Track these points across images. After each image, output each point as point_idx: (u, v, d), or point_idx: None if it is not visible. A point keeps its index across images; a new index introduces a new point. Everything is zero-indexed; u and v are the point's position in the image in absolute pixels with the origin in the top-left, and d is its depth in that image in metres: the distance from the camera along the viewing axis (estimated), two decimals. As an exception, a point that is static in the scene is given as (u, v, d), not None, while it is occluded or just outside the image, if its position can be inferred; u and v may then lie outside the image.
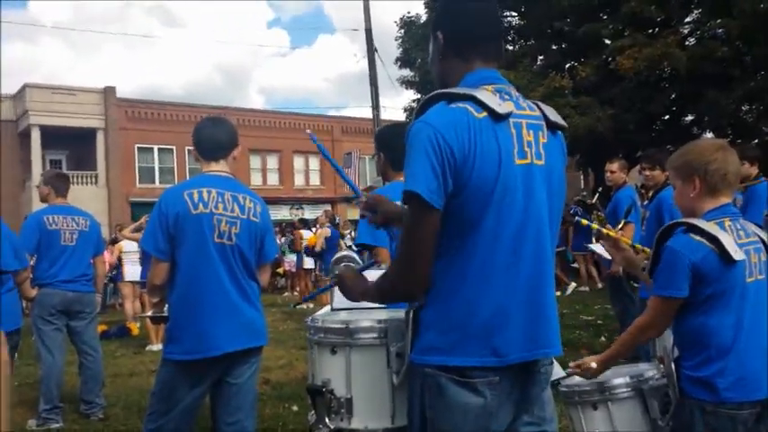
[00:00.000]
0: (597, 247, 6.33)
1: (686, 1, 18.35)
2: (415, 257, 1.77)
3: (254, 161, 32.50)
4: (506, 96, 1.86)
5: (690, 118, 19.10)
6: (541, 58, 20.43)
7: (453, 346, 1.76)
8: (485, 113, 1.78)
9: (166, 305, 3.15)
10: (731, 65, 16.11)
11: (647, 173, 5.45)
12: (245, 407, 3.16)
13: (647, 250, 5.01)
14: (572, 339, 7.47)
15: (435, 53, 1.98)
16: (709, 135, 18.16)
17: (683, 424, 2.34)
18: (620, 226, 5.54)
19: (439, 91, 1.88)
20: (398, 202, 2.04)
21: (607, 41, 17.80)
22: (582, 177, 28.18)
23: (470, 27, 1.93)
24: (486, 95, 1.81)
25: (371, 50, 20.46)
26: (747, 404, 2.27)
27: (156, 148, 29.73)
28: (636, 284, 5.41)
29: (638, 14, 16.67)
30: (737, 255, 2.27)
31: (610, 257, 5.95)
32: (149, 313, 3.45)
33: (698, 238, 2.31)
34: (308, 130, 3.00)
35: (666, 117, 19.33)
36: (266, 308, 12.93)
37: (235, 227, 3.12)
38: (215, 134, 3.29)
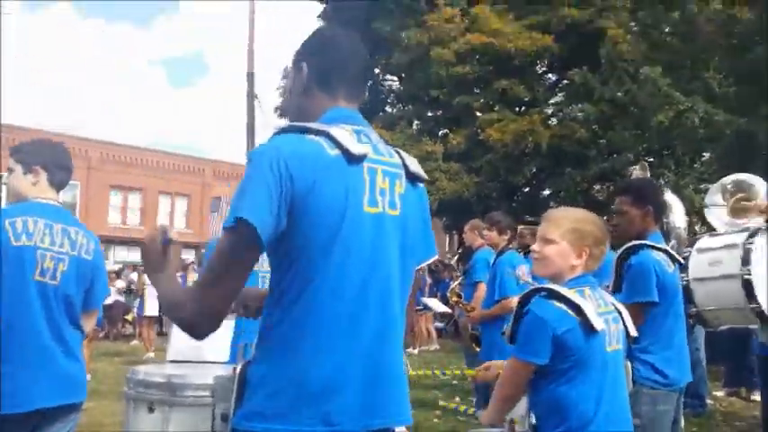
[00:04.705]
0: (431, 302, 6.43)
1: (552, 84, 19.87)
2: (218, 295, 1.56)
3: (115, 198, 30.87)
4: (365, 138, 1.74)
5: (547, 192, 20.30)
6: (417, 122, 21.14)
7: (280, 411, 1.57)
8: (338, 152, 1.64)
9: None
10: (588, 146, 17.39)
11: (485, 232, 5.63)
12: None
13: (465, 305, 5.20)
14: (428, 399, 7.55)
15: (297, 86, 1.83)
16: (564, 210, 19.37)
17: None
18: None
19: (293, 123, 1.73)
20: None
21: (478, 113, 18.73)
22: (448, 239, 29.07)
23: (339, 61, 1.81)
24: (341, 134, 1.67)
25: (251, 95, 20.24)
26: None
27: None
28: (477, 347, 5.52)
29: (507, 92, 17.84)
30: (598, 324, 2.26)
31: (441, 311, 6.04)
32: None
33: (559, 304, 2.28)
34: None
35: (527, 189, 20.47)
36: (110, 357, 12.06)
37: (62, 264, 2.76)
38: (69, 164, 2.97)
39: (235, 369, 1.70)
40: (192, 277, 11.18)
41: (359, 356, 1.63)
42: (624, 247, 3.15)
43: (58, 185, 2.92)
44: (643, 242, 3.10)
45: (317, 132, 1.67)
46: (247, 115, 20.87)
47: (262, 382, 1.61)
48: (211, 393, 1.82)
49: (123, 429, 1.96)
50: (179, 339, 2.26)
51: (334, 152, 1.64)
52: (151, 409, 1.85)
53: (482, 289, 5.86)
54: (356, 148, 1.67)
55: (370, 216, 1.67)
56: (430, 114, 21.14)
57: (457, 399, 7.76)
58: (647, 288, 2.96)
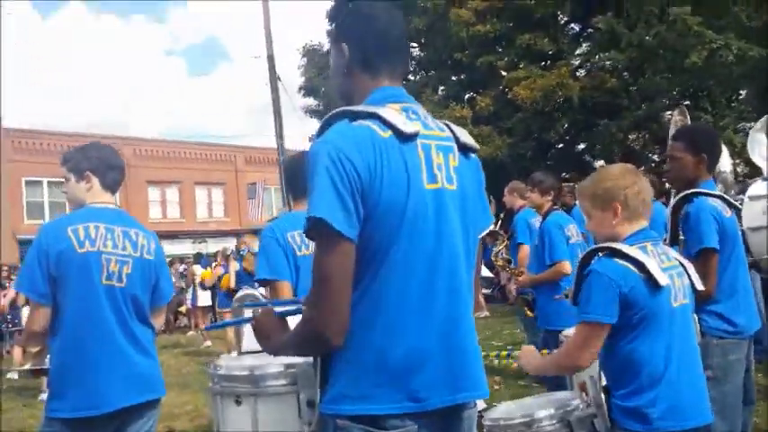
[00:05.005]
0: None
1: (576, 34, 19.44)
2: (331, 297, 1.57)
3: (153, 193, 31.28)
4: (413, 116, 1.74)
5: (582, 146, 19.98)
6: (442, 88, 20.89)
7: (366, 392, 1.60)
8: (390, 133, 1.65)
9: (48, 356, 2.84)
10: (620, 95, 17.01)
11: (528, 194, 5.59)
12: None
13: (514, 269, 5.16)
14: (485, 366, 7.50)
15: (339, 68, 1.83)
16: (600, 162, 19.06)
17: None
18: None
19: (341, 108, 1.74)
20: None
21: (504, 73, 18.44)
22: (484, 204, 28.95)
23: (380, 40, 1.79)
24: (391, 114, 1.68)
25: (274, 78, 20.21)
26: None
27: (45, 181, 28.06)
28: (530, 312, 5.47)
29: (531, 47, 17.51)
30: (663, 279, 2.24)
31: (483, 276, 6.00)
32: (28, 366, 3.07)
33: (622, 262, 2.26)
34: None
35: (560, 145, 20.17)
36: (169, 349, 12.36)
37: (126, 266, 2.85)
38: (120, 162, 3.04)
39: (315, 356, 1.73)
40: (234, 266, 11.23)
41: (434, 332, 1.65)
42: (677, 197, 3.10)
43: (112, 187, 3.00)
44: (696, 190, 3.04)
45: (367, 116, 1.68)
46: (272, 98, 20.85)
47: (344, 365, 1.64)
48: (293, 381, 1.86)
49: (214, 423, 2.01)
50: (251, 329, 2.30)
51: (387, 134, 1.65)
52: (238, 402, 1.90)
53: (524, 250, 5.86)
54: (407, 126, 1.67)
55: (431, 192, 1.68)
56: (454, 78, 20.85)
57: (515, 365, 7.75)
58: (709, 234, 2.90)
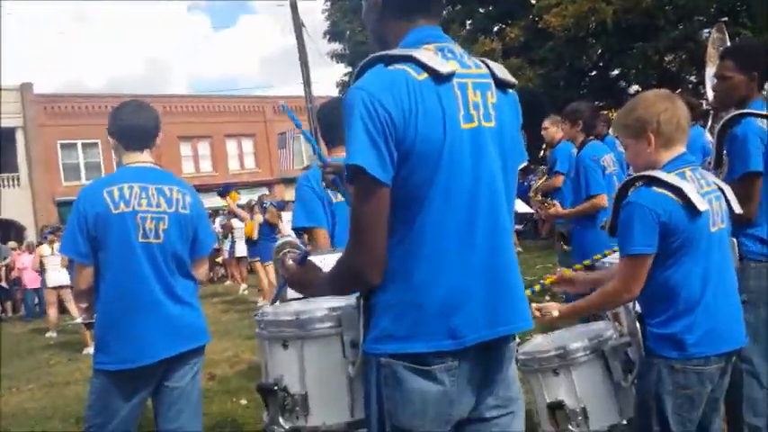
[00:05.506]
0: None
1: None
2: (367, 238, 1.62)
3: (185, 148, 31.49)
4: (449, 55, 1.71)
5: (616, 72, 19.46)
6: (469, 22, 20.42)
7: (408, 331, 1.63)
8: (425, 75, 1.63)
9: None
10: (656, 15, 16.42)
11: (562, 126, 5.51)
12: (187, 411, 2.96)
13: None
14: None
15: (372, 13, 1.80)
16: (635, 87, 18.55)
17: (649, 383, 2.26)
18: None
19: (376, 54, 1.72)
20: None
21: (533, 1, 17.91)
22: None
23: None
24: (426, 55, 1.66)
25: (298, 24, 19.96)
26: (714, 358, 2.23)
27: (79, 143, 28.40)
28: (566, 246, 5.42)
29: (560, -29, 16.88)
30: (702, 205, 2.19)
31: (522, 212, 5.98)
32: (80, 319, 3.18)
33: (660, 190, 2.22)
34: (282, 102, 2.65)
35: (594, 73, 19.67)
36: (208, 298, 12.72)
37: (162, 223, 2.88)
38: (141, 120, 2.99)
39: (358, 298, 1.76)
40: (258, 218, 11.39)
41: (475, 269, 1.66)
42: (724, 119, 2.98)
43: (138, 145, 2.98)
44: (744, 111, 2.92)
45: (402, 59, 1.66)
46: (297, 45, 20.62)
47: (386, 306, 1.66)
48: (338, 323, 1.89)
49: (262, 366, 2.07)
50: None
51: (422, 76, 1.64)
52: (285, 346, 1.94)
53: (557, 179, 5.83)
54: (443, 67, 1.66)
55: (468, 132, 1.67)
56: (482, 11, 20.36)
57: (547, 297, 7.74)
58: (755, 157, 2.79)
